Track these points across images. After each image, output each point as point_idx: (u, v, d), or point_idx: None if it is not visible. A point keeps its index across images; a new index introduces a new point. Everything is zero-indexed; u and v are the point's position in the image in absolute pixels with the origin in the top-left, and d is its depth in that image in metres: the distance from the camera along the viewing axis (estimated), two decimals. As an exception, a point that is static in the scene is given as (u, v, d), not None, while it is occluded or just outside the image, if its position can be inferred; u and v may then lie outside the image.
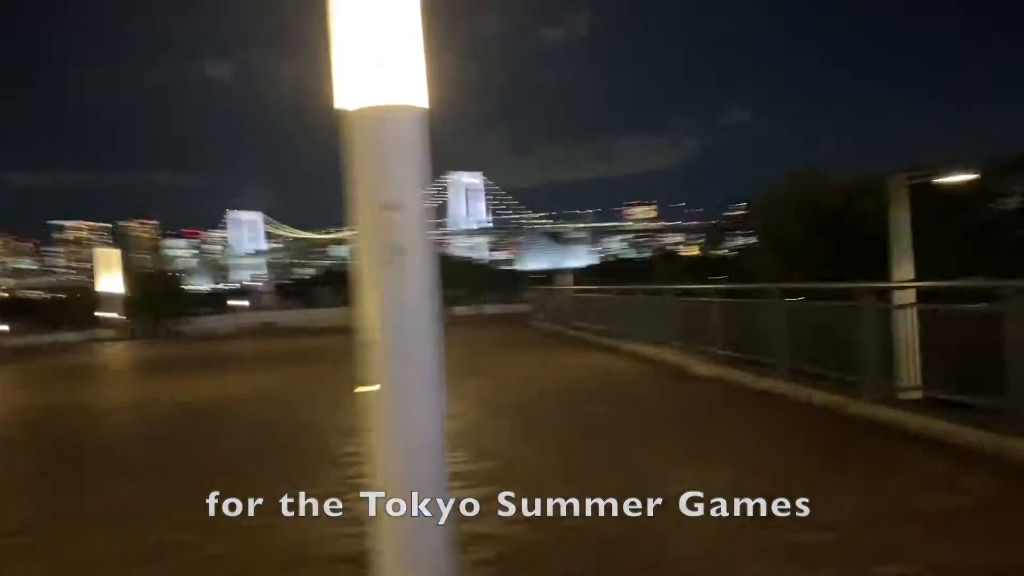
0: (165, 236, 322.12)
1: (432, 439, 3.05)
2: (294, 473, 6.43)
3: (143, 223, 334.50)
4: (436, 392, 3.07)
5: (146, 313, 34.93)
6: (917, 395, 7.68)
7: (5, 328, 34.95)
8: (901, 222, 17.15)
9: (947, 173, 16.95)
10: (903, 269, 17.27)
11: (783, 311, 9.95)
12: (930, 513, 4.79)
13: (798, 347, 9.65)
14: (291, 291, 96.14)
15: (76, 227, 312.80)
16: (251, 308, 46.85)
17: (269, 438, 8.47)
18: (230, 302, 56.97)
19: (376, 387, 2.99)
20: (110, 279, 34.24)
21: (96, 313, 33.53)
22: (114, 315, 34.00)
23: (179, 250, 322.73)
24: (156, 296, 36.26)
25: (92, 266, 38.24)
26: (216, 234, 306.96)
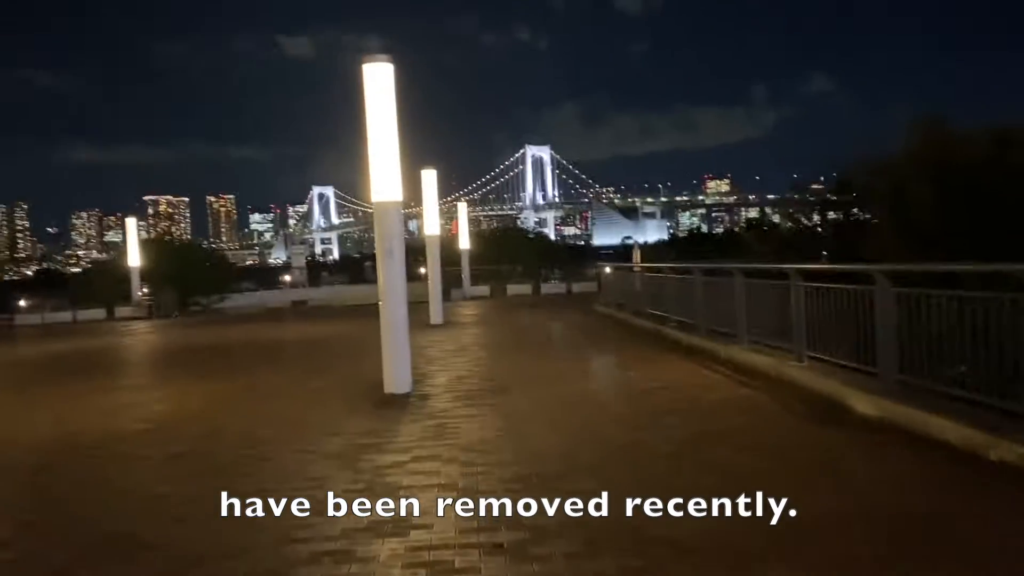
0: (251, 211, 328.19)
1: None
2: None
3: (221, 197, 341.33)
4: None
5: (169, 289, 31.60)
6: None
7: (22, 303, 32.15)
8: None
9: None
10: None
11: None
12: None
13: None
14: (334, 266, 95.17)
15: (155, 201, 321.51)
16: (290, 285, 43.39)
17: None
18: (285, 277, 53.74)
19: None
20: (135, 251, 31.13)
21: (133, 288, 30.56)
22: (141, 292, 30.97)
23: (260, 225, 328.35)
24: (183, 270, 32.90)
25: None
26: (300, 208, 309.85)
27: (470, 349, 13.64)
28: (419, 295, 18.70)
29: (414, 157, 19.96)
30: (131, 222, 32.46)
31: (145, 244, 35.29)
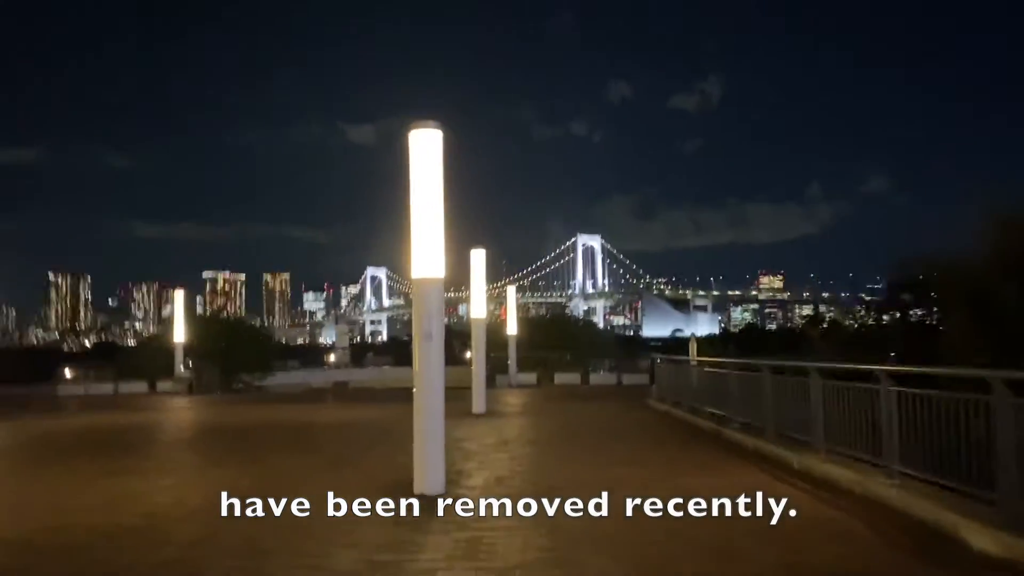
0: (304, 290, 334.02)
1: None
2: None
3: (276, 275, 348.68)
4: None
5: (212, 366, 31.26)
6: None
7: (67, 373, 32.18)
8: None
9: None
10: None
11: None
12: None
13: None
14: (380, 347, 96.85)
15: (213, 278, 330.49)
16: (334, 365, 42.93)
17: None
18: (328, 357, 53.40)
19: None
20: (180, 326, 31.01)
21: (176, 363, 30.34)
22: (182, 367, 30.70)
23: (312, 304, 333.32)
24: (227, 347, 32.60)
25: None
26: (352, 289, 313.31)
27: (513, 444, 12.57)
28: (463, 380, 17.77)
29: (463, 239, 19.35)
30: (179, 295, 32.38)
31: (194, 319, 35.23)
